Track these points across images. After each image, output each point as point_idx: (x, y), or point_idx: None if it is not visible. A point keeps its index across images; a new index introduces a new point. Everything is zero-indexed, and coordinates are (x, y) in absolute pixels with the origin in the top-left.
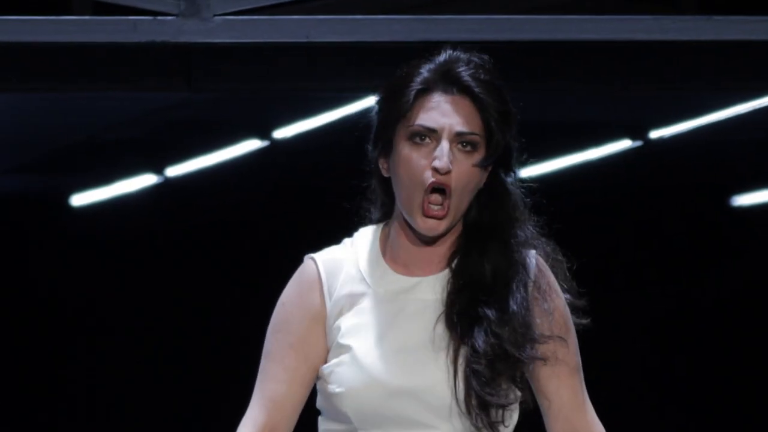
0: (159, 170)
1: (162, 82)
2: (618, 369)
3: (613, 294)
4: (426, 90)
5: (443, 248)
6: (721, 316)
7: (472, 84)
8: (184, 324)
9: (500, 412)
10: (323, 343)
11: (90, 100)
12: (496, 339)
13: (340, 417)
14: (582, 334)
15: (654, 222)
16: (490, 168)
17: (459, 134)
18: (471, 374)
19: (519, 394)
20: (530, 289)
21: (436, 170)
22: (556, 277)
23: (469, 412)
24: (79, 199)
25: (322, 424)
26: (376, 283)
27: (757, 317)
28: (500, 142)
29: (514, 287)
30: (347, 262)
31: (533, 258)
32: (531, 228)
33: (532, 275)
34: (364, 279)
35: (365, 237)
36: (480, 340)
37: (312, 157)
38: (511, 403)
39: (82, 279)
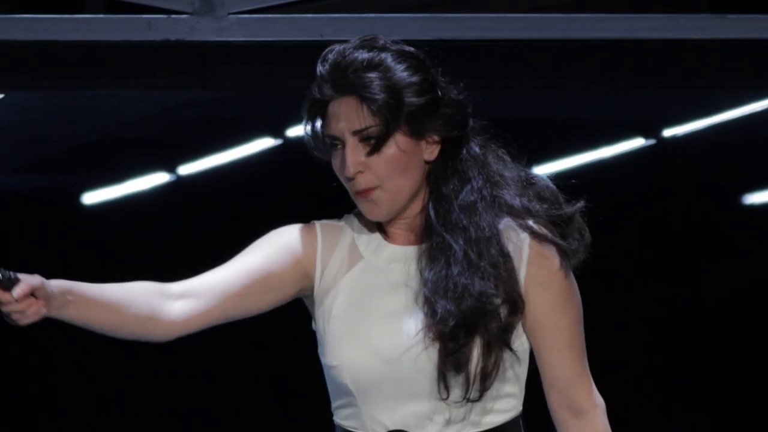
0: (171, 169)
1: (175, 80)
2: (624, 367)
3: (620, 292)
4: (323, 101)
5: (412, 218)
6: (729, 315)
7: (349, 80)
8: None
9: (481, 379)
10: (298, 282)
11: (103, 99)
12: (463, 303)
13: (342, 390)
14: (588, 332)
15: (664, 220)
16: (434, 140)
17: (356, 133)
18: (444, 343)
19: (512, 366)
20: (521, 264)
21: (347, 178)
22: (562, 237)
23: (446, 381)
24: (91, 198)
25: (336, 415)
26: (370, 252)
27: (764, 317)
28: (397, 121)
29: (475, 251)
30: (345, 232)
31: (526, 232)
32: (507, 183)
33: (525, 254)
34: (358, 249)
35: (355, 215)
36: (448, 306)
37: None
38: (490, 371)
39: (92, 277)
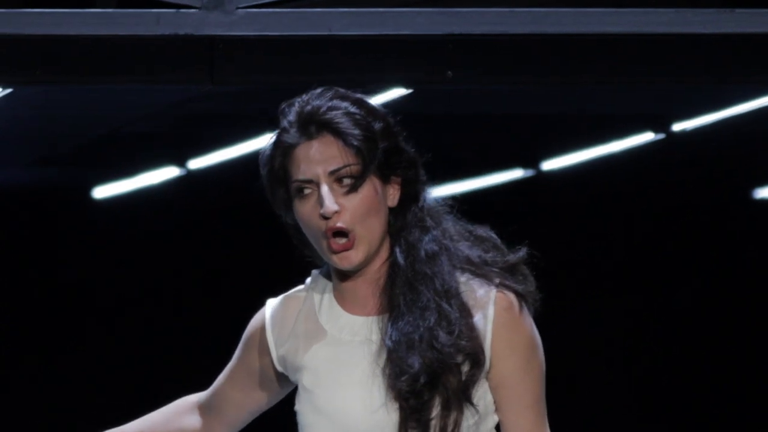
0: (181, 163)
1: (184, 74)
2: (638, 361)
3: (628, 286)
4: (292, 146)
5: (377, 279)
6: (739, 308)
7: (327, 119)
8: (206, 315)
9: None
10: (269, 375)
11: (113, 93)
12: (429, 357)
13: None
14: (600, 324)
15: (673, 215)
16: (396, 183)
17: (332, 173)
18: (407, 400)
19: (481, 421)
20: (487, 323)
21: (323, 217)
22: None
23: None
24: (102, 192)
25: None
26: (330, 324)
27: None
28: (373, 161)
29: (443, 304)
30: (305, 303)
31: (491, 286)
32: (463, 241)
33: (490, 313)
34: (320, 322)
35: (318, 278)
36: (416, 361)
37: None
38: (451, 429)
39: (104, 270)
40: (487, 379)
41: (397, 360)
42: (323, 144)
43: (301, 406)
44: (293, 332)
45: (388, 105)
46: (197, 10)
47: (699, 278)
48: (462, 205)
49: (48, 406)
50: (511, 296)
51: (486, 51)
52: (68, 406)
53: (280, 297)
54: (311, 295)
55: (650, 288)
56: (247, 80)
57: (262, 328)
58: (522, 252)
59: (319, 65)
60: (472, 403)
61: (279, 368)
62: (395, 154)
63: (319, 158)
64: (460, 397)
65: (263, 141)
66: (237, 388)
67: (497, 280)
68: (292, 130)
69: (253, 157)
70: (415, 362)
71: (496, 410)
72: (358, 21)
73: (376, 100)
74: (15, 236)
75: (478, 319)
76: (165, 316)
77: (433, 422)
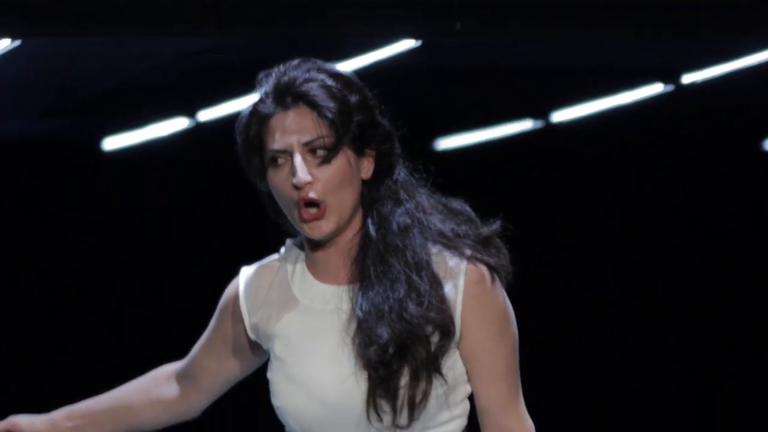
0: (191, 114)
1: (193, 26)
2: (648, 310)
3: (641, 238)
4: (268, 116)
5: (348, 249)
6: (753, 261)
7: (302, 90)
8: (216, 266)
9: (409, 408)
10: (246, 340)
11: (122, 45)
12: (398, 327)
13: (291, 430)
14: (612, 276)
15: (683, 167)
16: (370, 156)
17: (306, 144)
18: (376, 370)
19: (451, 391)
20: (457, 294)
21: (295, 187)
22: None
23: (376, 408)
24: (111, 143)
25: None
26: (302, 293)
27: None
28: (347, 133)
29: (413, 275)
30: (279, 272)
31: (462, 258)
32: (434, 209)
33: (461, 284)
34: (293, 291)
35: (292, 247)
36: (384, 331)
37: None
38: (419, 399)
39: (113, 222)
40: (458, 349)
41: (367, 330)
42: (298, 115)
43: (273, 374)
44: (266, 300)
45: (397, 58)
46: None
47: (709, 231)
48: (472, 158)
49: (47, 371)
50: (482, 268)
51: (497, 5)
52: (64, 371)
53: (255, 265)
54: (285, 264)
55: (659, 241)
56: (255, 32)
57: (235, 297)
58: (495, 225)
59: (327, 18)
60: (441, 374)
61: (252, 336)
62: (370, 128)
63: (293, 129)
64: (429, 368)
65: None
66: (212, 357)
67: (468, 252)
68: (268, 100)
69: None
70: (384, 332)
71: (469, 381)
72: None
73: (385, 52)
74: (24, 187)
75: (448, 290)
76: (174, 266)
77: (401, 392)
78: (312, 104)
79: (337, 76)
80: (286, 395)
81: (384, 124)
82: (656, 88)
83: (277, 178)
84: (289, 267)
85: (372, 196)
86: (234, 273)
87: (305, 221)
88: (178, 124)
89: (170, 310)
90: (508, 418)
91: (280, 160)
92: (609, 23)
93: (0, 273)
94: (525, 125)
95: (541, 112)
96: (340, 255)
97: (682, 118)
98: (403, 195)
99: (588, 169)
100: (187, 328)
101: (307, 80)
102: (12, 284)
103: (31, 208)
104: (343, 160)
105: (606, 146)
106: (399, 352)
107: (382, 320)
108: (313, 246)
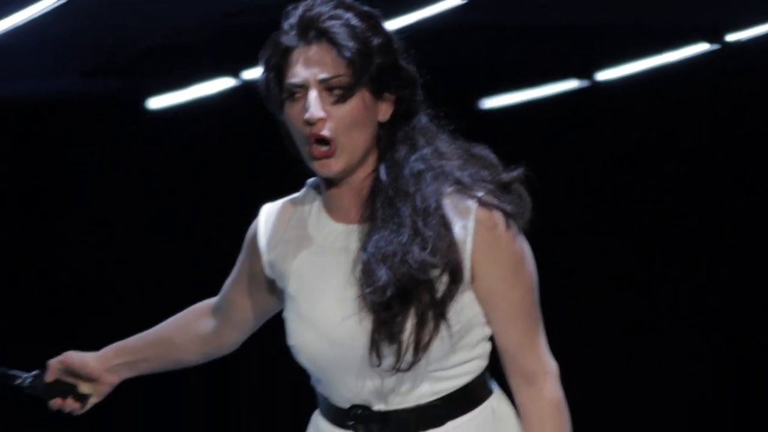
0: (236, 73)
1: None
2: (698, 269)
3: (690, 198)
4: (289, 48)
5: (360, 189)
6: None
7: (325, 27)
8: None
9: (413, 352)
10: (264, 276)
11: (167, 3)
12: (400, 271)
13: (306, 368)
14: (662, 233)
15: (728, 126)
16: (390, 99)
17: (323, 81)
18: (378, 312)
19: (465, 334)
20: (467, 237)
21: (307, 122)
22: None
23: (378, 350)
24: (156, 102)
25: (314, 384)
26: (317, 231)
27: None
28: (365, 75)
29: (419, 219)
30: (297, 210)
31: (473, 201)
32: (454, 154)
33: (471, 227)
34: (307, 229)
35: (312, 187)
36: (386, 274)
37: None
38: (425, 343)
39: (158, 181)
40: (473, 291)
41: (369, 272)
42: (319, 51)
43: (288, 313)
44: (284, 238)
45: (442, 16)
46: None
47: (755, 189)
48: (516, 117)
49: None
50: (493, 210)
51: None
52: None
53: (275, 203)
54: (304, 203)
55: (705, 199)
56: None
57: (255, 233)
58: (517, 171)
59: None
60: (446, 318)
61: (268, 273)
62: (391, 71)
63: (312, 64)
64: (435, 312)
65: None
66: (240, 292)
67: (480, 194)
68: (292, 33)
69: None
70: (384, 275)
71: (488, 322)
72: None
73: (430, 11)
74: (70, 144)
75: (458, 232)
76: (220, 224)
77: (405, 335)
78: (333, 42)
79: (363, 15)
80: (298, 333)
81: (407, 69)
82: (701, 47)
83: (292, 112)
84: (307, 206)
85: (388, 140)
86: None
87: (315, 158)
88: (222, 83)
89: (215, 272)
90: (528, 360)
91: (297, 94)
92: None
93: (48, 233)
94: (570, 84)
95: (586, 71)
96: (351, 194)
97: (726, 77)
98: (420, 141)
99: (633, 128)
100: None
101: (332, 17)
102: (55, 243)
103: (75, 167)
104: (358, 100)
105: (650, 106)
106: (400, 295)
107: (384, 263)
108: (327, 184)
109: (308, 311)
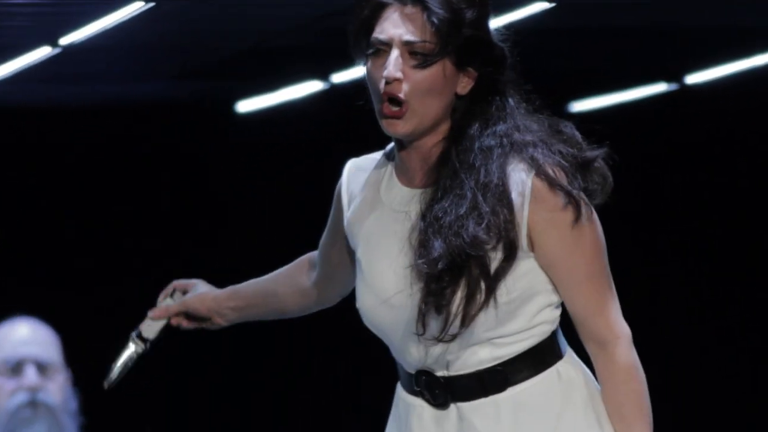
0: (324, 76)
1: None
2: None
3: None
4: (383, 3)
5: (428, 156)
6: None
7: None
8: None
9: (461, 322)
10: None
11: (257, 6)
12: (453, 244)
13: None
14: (746, 237)
15: None
16: (471, 74)
17: (407, 43)
18: (427, 282)
19: (523, 304)
20: (524, 206)
21: (385, 80)
22: (570, 179)
23: (424, 320)
24: (246, 106)
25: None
26: (386, 194)
27: None
28: (451, 45)
29: (479, 194)
30: (375, 172)
31: (529, 176)
32: (532, 130)
33: (527, 195)
34: (380, 192)
35: (389, 149)
36: (440, 245)
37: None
38: (471, 315)
39: (247, 185)
40: (536, 258)
41: (424, 241)
42: (410, 13)
43: (356, 276)
44: (359, 197)
45: (532, 19)
46: None
47: None
48: (605, 120)
49: None
50: (550, 179)
51: None
52: None
53: (359, 158)
54: (381, 163)
55: None
56: None
57: (340, 190)
58: (600, 150)
59: None
60: (495, 292)
61: (346, 231)
62: (477, 46)
63: (400, 24)
64: (486, 286)
65: None
66: (331, 248)
67: (540, 160)
68: None
69: None
70: (438, 246)
71: (555, 289)
72: None
73: (520, 13)
74: (159, 148)
75: (516, 202)
76: (307, 227)
77: (452, 307)
78: (426, 7)
79: None
80: (361, 297)
81: (496, 47)
82: None
83: (372, 68)
84: (383, 167)
85: (463, 113)
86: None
87: (384, 116)
88: (311, 86)
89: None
90: (597, 324)
91: (380, 51)
92: None
93: (142, 234)
94: (659, 87)
95: (675, 74)
96: (418, 159)
97: None
98: (496, 117)
99: (722, 131)
100: None
101: None
102: (148, 244)
103: (167, 169)
104: (438, 69)
105: (741, 109)
106: (451, 268)
107: (440, 234)
108: (399, 146)
109: (368, 275)
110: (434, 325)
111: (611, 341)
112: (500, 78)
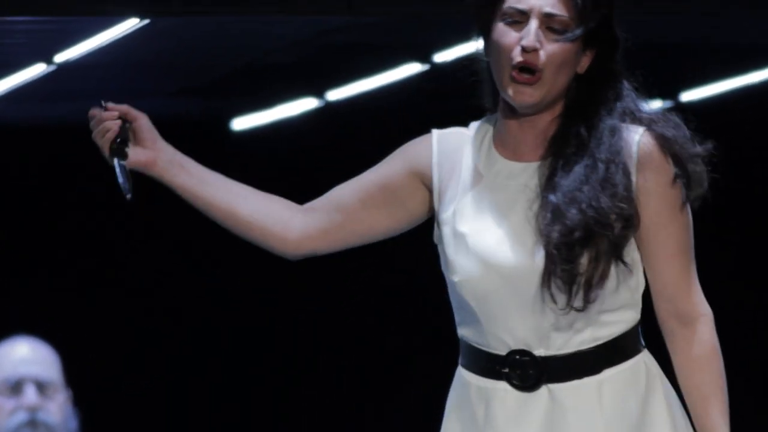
0: (320, 94)
1: (323, 5)
2: None
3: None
4: None
5: (544, 131)
6: None
7: None
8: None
9: (585, 291)
10: (418, 195)
11: (251, 24)
12: (589, 216)
13: (465, 306)
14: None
15: None
16: (590, 53)
17: (548, 15)
18: (549, 255)
19: (625, 279)
20: (631, 167)
21: (523, 49)
22: (677, 157)
23: (551, 290)
24: (241, 123)
25: (460, 330)
26: (487, 168)
27: None
28: (590, 22)
29: (604, 162)
30: (466, 146)
31: (638, 135)
32: (648, 112)
33: (634, 153)
34: (477, 169)
35: (480, 126)
36: (577, 217)
37: (473, 80)
38: (595, 282)
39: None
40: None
41: (557, 210)
42: None
43: (452, 249)
44: (455, 173)
45: None
46: None
47: None
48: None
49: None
50: (658, 137)
51: None
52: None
53: (446, 130)
54: (473, 139)
55: None
56: (385, 10)
57: (425, 156)
58: (706, 147)
59: None
60: (623, 261)
61: (435, 204)
62: (604, 29)
63: None
64: (610, 254)
65: (402, 71)
66: (359, 197)
67: (651, 118)
68: None
69: (392, 88)
70: (575, 216)
71: (644, 264)
72: None
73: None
74: None
75: (629, 164)
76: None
77: (579, 276)
78: None
79: None
80: (466, 269)
81: (616, 30)
82: None
83: (504, 35)
84: (476, 142)
85: (577, 92)
86: (362, 256)
87: (515, 81)
88: (307, 103)
89: (297, 290)
90: (684, 301)
91: (515, 19)
92: (740, 2)
93: (137, 251)
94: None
95: (670, 91)
96: (533, 133)
97: None
98: (614, 97)
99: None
100: (318, 304)
101: None
102: (133, 262)
103: (162, 185)
104: (571, 45)
105: (737, 125)
106: (584, 237)
107: (573, 204)
108: (507, 120)
109: (480, 244)
110: (562, 293)
111: (696, 319)
112: (615, 60)
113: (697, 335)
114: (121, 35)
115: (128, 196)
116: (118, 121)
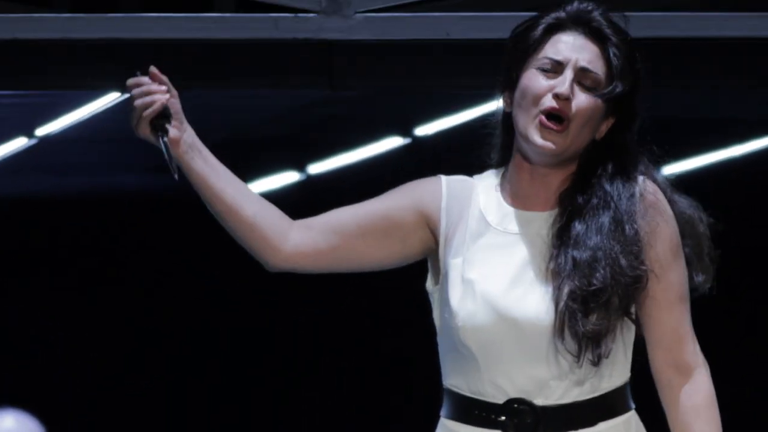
0: (301, 167)
1: (304, 79)
2: None
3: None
4: (556, 26)
5: (557, 183)
6: None
7: (603, 27)
8: (348, 310)
9: (596, 345)
10: (419, 234)
11: (232, 98)
12: (601, 273)
13: (463, 353)
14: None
15: None
16: (610, 121)
17: (583, 69)
18: (568, 308)
19: (622, 332)
20: (638, 216)
21: (556, 96)
22: (687, 223)
23: (563, 341)
24: None
25: (450, 381)
26: (496, 220)
27: None
28: (622, 86)
29: (622, 221)
30: (474, 193)
31: (640, 183)
32: (659, 178)
33: (637, 200)
34: (485, 218)
35: (487, 177)
36: (603, 274)
37: (454, 154)
38: (602, 336)
39: (225, 275)
40: None
41: (578, 265)
42: (589, 45)
43: (458, 294)
44: (462, 219)
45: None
46: (316, 14)
47: None
48: None
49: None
50: (660, 183)
51: None
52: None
53: (453, 177)
54: (480, 188)
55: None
56: (366, 84)
57: (434, 199)
58: (708, 219)
59: (437, 69)
60: (631, 317)
61: (441, 248)
62: (628, 98)
63: (579, 50)
64: (620, 310)
65: (384, 145)
66: (357, 223)
67: (649, 172)
68: (567, 17)
69: (373, 161)
70: (596, 273)
71: (643, 315)
72: (476, 25)
73: (493, 105)
74: (130, 242)
75: (636, 213)
76: (285, 310)
77: (590, 330)
78: (605, 44)
79: (632, 41)
80: (471, 315)
81: (637, 105)
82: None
83: (535, 81)
84: (483, 193)
85: (590, 155)
86: (358, 310)
87: (543, 126)
88: (288, 177)
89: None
90: (683, 351)
91: (549, 68)
92: (718, 74)
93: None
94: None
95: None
96: (544, 188)
97: None
98: (626, 162)
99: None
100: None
101: (615, 30)
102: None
103: (144, 261)
104: (598, 105)
105: (716, 199)
106: (602, 293)
107: (595, 261)
108: (520, 173)
109: (489, 292)
110: (571, 347)
111: (696, 368)
112: (630, 130)
113: (696, 384)
114: (102, 109)
115: (175, 175)
116: (167, 95)
